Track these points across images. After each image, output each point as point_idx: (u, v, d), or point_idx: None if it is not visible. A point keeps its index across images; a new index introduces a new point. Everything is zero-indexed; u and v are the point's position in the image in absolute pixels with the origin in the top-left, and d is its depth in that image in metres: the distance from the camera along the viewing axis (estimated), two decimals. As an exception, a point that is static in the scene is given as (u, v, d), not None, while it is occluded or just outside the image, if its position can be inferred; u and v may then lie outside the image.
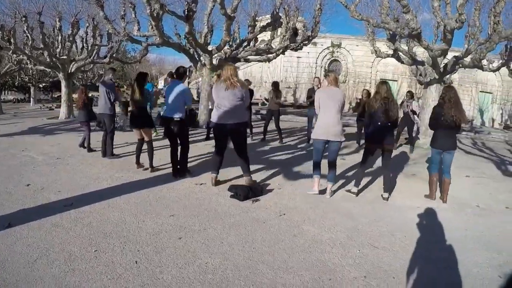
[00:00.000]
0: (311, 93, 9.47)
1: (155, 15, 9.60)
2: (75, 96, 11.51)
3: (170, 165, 6.22)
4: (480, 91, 26.96)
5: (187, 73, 10.59)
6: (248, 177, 5.65)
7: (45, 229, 3.82)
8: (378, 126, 5.33)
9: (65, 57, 13.68)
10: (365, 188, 5.98)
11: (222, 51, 12.87)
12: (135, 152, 6.57)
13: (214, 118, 5.36)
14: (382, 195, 5.54)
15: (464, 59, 11.71)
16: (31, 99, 29.34)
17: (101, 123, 10.65)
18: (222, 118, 5.26)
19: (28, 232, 3.74)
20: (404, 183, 6.44)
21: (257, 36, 13.50)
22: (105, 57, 14.69)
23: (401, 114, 9.58)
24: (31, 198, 4.77)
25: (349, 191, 5.69)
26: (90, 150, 7.75)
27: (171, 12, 9.55)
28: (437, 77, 12.11)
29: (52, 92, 34.14)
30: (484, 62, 12.85)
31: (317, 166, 5.40)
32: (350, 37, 26.68)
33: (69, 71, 14.32)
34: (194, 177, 6.04)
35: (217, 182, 5.69)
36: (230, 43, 12.68)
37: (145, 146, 6.38)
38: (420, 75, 15.11)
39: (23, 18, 12.29)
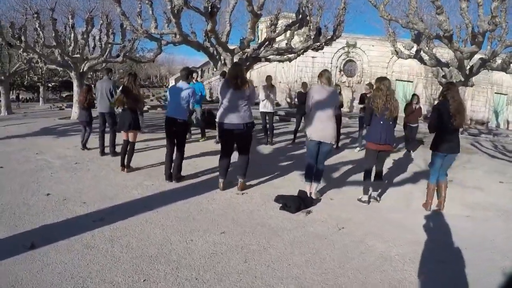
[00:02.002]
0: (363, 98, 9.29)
1: (175, 11, 8.99)
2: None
3: (198, 173, 6.00)
4: (495, 93, 26.06)
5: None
6: (242, 181, 5.30)
7: (76, 252, 3.15)
8: (380, 125, 4.90)
9: (78, 55, 13.02)
10: (410, 197, 5.62)
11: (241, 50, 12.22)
12: (120, 154, 6.22)
13: (220, 118, 5.08)
14: (376, 197, 5.22)
15: (491, 61, 11.38)
16: (40, 98, 28.83)
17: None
18: (228, 118, 4.99)
19: (56, 255, 3.08)
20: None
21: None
22: (117, 56, 14.07)
23: None
24: (53, 211, 4.12)
25: (360, 200, 5.19)
26: (85, 148, 7.66)
27: (195, 8, 8.88)
28: (462, 79, 11.95)
29: (60, 92, 33.62)
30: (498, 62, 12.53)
31: (308, 169, 5.09)
32: (366, 37, 25.94)
33: (82, 70, 13.68)
34: (232, 187, 5.37)
35: (225, 187, 5.29)
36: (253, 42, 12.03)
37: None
38: (443, 76, 14.68)
39: (35, 15, 11.67)
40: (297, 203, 4.66)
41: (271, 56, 13.67)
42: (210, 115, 11.20)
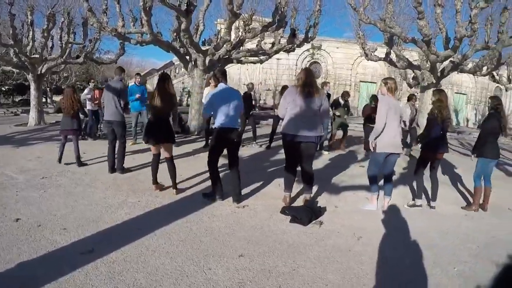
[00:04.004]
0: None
1: (147, 8, 8.30)
2: (58, 99, 9.58)
3: (184, 184, 5.49)
4: (456, 92, 27.49)
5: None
6: (309, 195, 4.89)
7: (70, 298, 2.49)
8: (440, 134, 5.07)
9: (37, 55, 11.74)
10: (404, 200, 5.53)
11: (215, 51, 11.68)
12: (151, 170, 5.23)
13: (287, 129, 4.55)
14: (430, 205, 5.24)
15: (464, 64, 11.83)
16: (-7, 103, 26.10)
17: (81, 131, 9.20)
18: (297, 129, 4.48)
19: (45, 304, 2.41)
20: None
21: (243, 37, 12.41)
22: (77, 57, 12.93)
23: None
24: (27, 241, 3.34)
25: (413, 205, 5.18)
26: (81, 164, 6.42)
27: (171, 5, 8.21)
28: (434, 81, 12.35)
29: (13, 96, 30.54)
30: (470, 65, 13.09)
31: (375, 180, 5.01)
32: (331, 39, 26.21)
33: (40, 72, 12.40)
34: (226, 197, 4.91)
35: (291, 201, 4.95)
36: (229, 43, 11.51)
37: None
38: (414, 78, 15.07)
39: (-11, 10, 10.33)
40: (309, 215, 4.31)
41: (243, 58, 13.28)
42: (179, 118, 10.59)
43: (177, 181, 5.16)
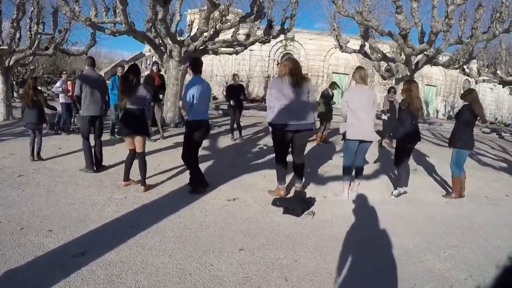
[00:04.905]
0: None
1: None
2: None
3: (166, 177, 5.45)
4: (426, 85, 28.36)
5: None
6: (300, 185, 4.94)
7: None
8: (413, 124, 5.19)
9: (5, 47, 11.04)
10: (388, 187, 5.77)
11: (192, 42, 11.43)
12: (124, 166, 5.03)
13: (277, 118, 4.48)
14: (394, 192, 5.39)
15: (438, 57, 12.21)
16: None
17: (54, 126, 8.79)
18: (287, 118, 4.44)
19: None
20: (416, 179, 6.15)
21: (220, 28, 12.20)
22: (46, 48, 12.29)
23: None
24: (12, 246, 3.08)
25: (398, 194, 5.32)
26: (40, 158, 6.17)
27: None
28: (409, 73, 12.64)
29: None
30: (441, 58, 13.54)
31: (349, 169, 5.06)
32: (303, 31, 26.28)
33: (8, 65, 11.73)
34: (214, 190, 4.91)
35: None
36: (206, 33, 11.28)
37: None
38: (388, 70, 15.38)
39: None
40: (302, 205, 4.35)
41: (219, 49, 13.09)
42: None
43: (155, 175, 5.16)
